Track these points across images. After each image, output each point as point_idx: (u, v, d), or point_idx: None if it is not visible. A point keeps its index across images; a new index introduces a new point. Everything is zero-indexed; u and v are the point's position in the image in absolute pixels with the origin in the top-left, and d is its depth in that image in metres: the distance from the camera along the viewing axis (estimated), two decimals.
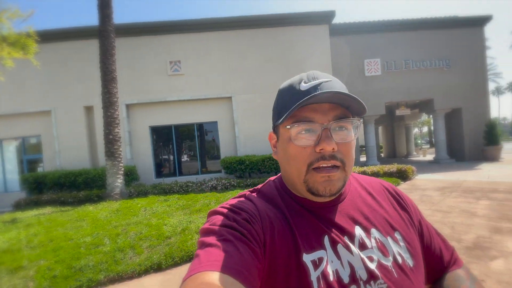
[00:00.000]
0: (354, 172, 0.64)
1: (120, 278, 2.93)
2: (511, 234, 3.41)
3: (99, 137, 10.46)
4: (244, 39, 11.09)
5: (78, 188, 9.50)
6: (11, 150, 11.88)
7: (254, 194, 0.61)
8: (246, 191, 0.62)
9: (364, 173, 8.50)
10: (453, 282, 0.61)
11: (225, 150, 11.17)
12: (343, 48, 11.99)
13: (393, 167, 8.33)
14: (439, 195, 5.86)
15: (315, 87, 0.52)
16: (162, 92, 10.85)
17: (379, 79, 12.34)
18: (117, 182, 7.85)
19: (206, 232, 0.49)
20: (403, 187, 7.15)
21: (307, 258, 0.49)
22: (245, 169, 9.80)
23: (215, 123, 11.34)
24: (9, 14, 6.09)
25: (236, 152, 11.01)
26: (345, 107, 0.54)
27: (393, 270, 0.52)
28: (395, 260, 0.53)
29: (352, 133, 0.54)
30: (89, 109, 10.96)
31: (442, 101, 12.50)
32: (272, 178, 0.66)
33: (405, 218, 0.61)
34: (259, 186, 0.65)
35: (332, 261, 0.50)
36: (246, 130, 10.89)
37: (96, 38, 10.33)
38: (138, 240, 3.80)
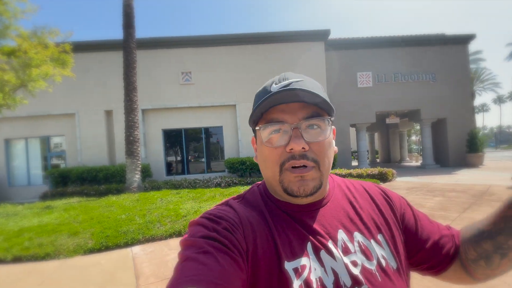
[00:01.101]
0: (337, 175, 0.62)
1: (152, 239, 4.17)
2: (439, 218, 4.58)
3: (117, 138, 11.81)
4: (247, 54, 12.40)
5: (98, 182, 10.79)
6: (35, 148, 13.23)
7: (236, 201, 0.60)
8: (229, 198, 0.61)
9: (350, 175, 9.69)
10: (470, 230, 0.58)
11: (229, 152, 12.44)
12: (337, 62, 13.23)
13: (375, 170, 9.50)
14: (405, 193, 7.02)
15: (285, 88, 0.50)
16: (174, 99, 12.18)
17: (371, 91, 13.53)
18: (135, 177, 9.13)
19: (185, 245, 0.47)
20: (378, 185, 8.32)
21: (289, 266, 0.48)
22: (246, 169, 11.03)
23: (220, 127, 12.63)
24: (52, 35, 7.36)
25: (238, 154, 12.27)
26: (315, 106, 0.53)
27: (377, 273, 0.51)
28: (379, 263, 0.53)
29: (326, 133, 0.54)
30: (108, 113, 12.31)
31: (428, 111, 13.64)
32: (257, 183, 0.66)
33: (389, 217, 0.60)
34: (244, 192, 0.64)
35: (315, 269, 0.49)
36: (247, 135, 12.14)
37: (114, 50, 11.78)
38: (161, 218, 5.04)
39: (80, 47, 12.23)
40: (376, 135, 22.77)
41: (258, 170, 10.96)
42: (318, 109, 0.53)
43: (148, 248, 3.88)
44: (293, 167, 0.52)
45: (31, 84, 6.18)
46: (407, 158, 20.00)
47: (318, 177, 0.53)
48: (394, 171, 9.73)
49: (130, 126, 9.22)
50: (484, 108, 70.08)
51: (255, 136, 0.60)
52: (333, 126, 0.57)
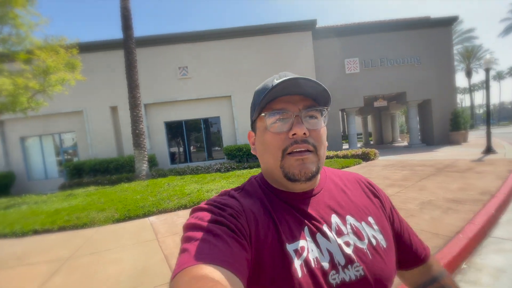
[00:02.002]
0: (329, 167, 0.77)
1: (164, 211, 5.24)
2: (398, 187, 5.60)
3: (123, 131, 12.84)
4: (240, 47, 13.18)
5: (110, 173, 11.91)
6: (49, 144, 14.32)
7: (237, 192, 0.64)
8: (230, 190, 0.65)
9: (336, 156, 10.69)
10: (434, 270, 0.70)
11: (227, 140, 13.46)
12: (325, 50, 13.98)
13: (358, 151, 10.50)
14: (380, 169, 8.04)
15: (286, 82, 0.56)
16: (173, 93, 13.11)
17: (358, 76, 14.33)
18: (143, 166, 10.20)
19: (193, 227, 0.50)
20: (362, 165, 9.33)
21: (290, 248, 0.53)
22: (243, 155, 12.07)
23: (218, 118, 13.61)
24: (61, 42, 8.21)
25: (236, 141, 13.29)
26: (313, 100, 0.60)
27: (368, 252, 0.57)
28: (370, 242, 0.58)
29: (322, 122, 0.60)
30: (114, 109, 13.29)
31: (414, 93, 14.46)
32: (254, 176, 0.70)
33: (377, 204, 0.68)
34: (242, 184, 0.68)
35: (312, 250, 0.54)
36: (244, 123, 13.11)
37: (115, 50, 12.64)
38: (170, 196, 6.12)
39: (84, 48, 13.05)
40: (369, 118, 23.62)
41: (255, 156, 11.92)
42: (315, 102, 0.60)
43: (161, 217, 4.96)
44: (294, 151, 0.56)
45: (49, 89, 7.13)
46: (399, 139, 20.95)
47: (316, 161, 0.57)
48: (376, 151, 10.71)
49: (135, 121, 10.22)
50: (483, 85, 70.11)
51: (254, 129, 0.66)
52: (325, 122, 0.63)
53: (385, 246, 0.60)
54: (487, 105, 9.24)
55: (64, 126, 13.65)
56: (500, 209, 3.98)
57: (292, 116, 0.57)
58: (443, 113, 14.42)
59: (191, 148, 14.44)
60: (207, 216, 0.52)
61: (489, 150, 9.13)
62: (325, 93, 0.58)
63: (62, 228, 4.80)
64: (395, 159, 10.09)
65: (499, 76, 61.79)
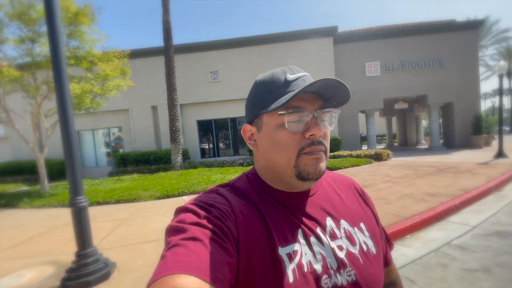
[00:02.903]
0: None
1: (194, 192, 6.64)
2: (390, 182, 6.46)
3: (162, 128, 14.64)
4: (265, 52, 14.37)
5: (149, 163, 13.75)
6: (100, 137, 16.63)
7: (226, 189, 0.60)
8: (217, 187, 0.61)
9: (350, 156, 11.48)
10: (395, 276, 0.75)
11: None
12: (346, 54, 14.66)
13: (372, 151, 11.20)
14: (386, 168, 8.80)
15: (302, 79, 0.56)
16: (205, 95, 14.66)
17: (379, 79, 14.82)
18: (178, 158, 11.81)
19: (173, 231, 0.48)
20: (372, 164, 10.08)
21: (283, 252, 0.51)
22: None
23: (243, 117, 14.90)
24: (116, 53, 9.91)
25: None
26: (327, 100, 0.58)
27: (359, 257, 0.57)
28: (361, 248, 0.58)
29: (331, 123, 0.60)
30: (154, 108, 15.17)
31: (435, 96, 14.63)
32: (246, 172, 0.66)
33: (367, 211, 0.69)
34: (231, 180, 0.64)
35: (305, 253, 0.53)
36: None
37: (156, 56, 14.37)
38: (199, 182, 7.52)
39: (130, 54, 15.05)
40: (394, 119, 23.56)
41: None
42: (328, 102, 0.59)
43: (192, 196, 6.34)
44: (311, 151, 0.55)
45: (107, 93, 8.85)
46: (423, 141, 20.82)
47: (325, 161, 0.57)
48: (389, 152, 11.33)
49: (172, 119, 11.85)
50: None
51: (255, 123, 0.61)
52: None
53: (374, 253, 0.60)
54: (500, 111, 9.51)
55: (112, 122, 15.81)
56: (467, 202, 4.78)
57: (309, 116, 0.55)
58: (466, 117, 14.42)
59: (219, 144, 15.94)
60: (189, 218, 0.49)
61: (500, 154, 9.44)
62: (347, 91, 0.56)
63: (117, 201, 6.38)
64: (406, 160, 10.67)
65: None
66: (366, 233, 0.62)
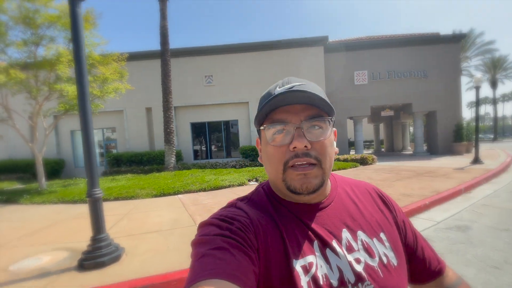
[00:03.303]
0: (337, 173, 0.74)
1: (189, 191, 7.02)
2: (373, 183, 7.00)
3: (155, 130, 14.94)
4: (258, 59, 14.89)
5: (143, 164, 14.01)
6: (94, 137, 16.78)
7: (244, 202, 0.62)
8: (236, 200, 0.63)
9: (337, 160, 12.05)
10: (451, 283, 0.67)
11: (243, 141, 15.20)
12: (336, 63, 15.32)
13: (358, 156, 11.79)
14: (370, 172, 9.37)
15: (288, 91, 0.54)
16: (199, 98, 15.05)
17: (366, 87, 15.52)
18: (172, 159, 12.15)
19: (199, 243, 0.50)
20: (358, 168, 10.66)
21: (297, 264, 0.51)
22: (256, 154, 13.71)
23: (236, 121, 15.39)
24: (114, 56, 10.24)
25: (251, 142, 14.98)
26: (317, 107, 0.56)
27: (379, 270, 0.55)
28: (381, 260, 0.56)
29: (327, 133, 0.57)
30: (148, 110, 15.47)
31: (419, 105, 15.41)
32: (262, 184, 0.68)
33: (389, 218, 0.65)
34: (249, 193, 0.66)
35: (321, 266, 0.52)
36: None
37: (151, 59, 14.72)
38: (193, 182, 7.90)
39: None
40: (382, 126, 24.40)
41: None
42: (319, 110, 0.56)
43: (187, 195, 6.74)
44: (296, 165, 0.54)
45: (106, 95, 9.17)
46: (409, 147, 21.65)
47: (320, 174, 0.55)
48: (374, 156, 11.95)
49: (167, 121, 12.20)
50: (505, 98, 66.84)
51: (260, 137, 0.63)
52: (334, 128, 0.61)
53: (396, 264, 0.58)
54: (476, 120, 10.24)
55: (106, 123, 16.01)
56: (437, 202, 5.32)
57: (293, 128, 0.54)
58: (448, 125, 15.23)
59: (212, 146, 16.33)
60: (213, 231, 0.51)
61: (476, 160, 10.14)
62: (327, 105, 0.55)
63: (116, 198, 6.73)
64: (390, 165, 11.30)
65: None
66: (387, 244, 0.60)
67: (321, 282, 0.50)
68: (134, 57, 15.37)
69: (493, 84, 41.46)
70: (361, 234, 0.59)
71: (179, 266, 2.78)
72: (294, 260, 0.52)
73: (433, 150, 15.95)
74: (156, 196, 6.84)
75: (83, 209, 6.02)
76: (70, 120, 15.81)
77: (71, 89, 8.35)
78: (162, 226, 4.35)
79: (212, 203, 5.78)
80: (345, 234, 0.58)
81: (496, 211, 4.61)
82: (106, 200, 6.73)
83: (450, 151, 15.22)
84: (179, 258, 3.00)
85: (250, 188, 7.46)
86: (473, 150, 15.44)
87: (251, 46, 14.96)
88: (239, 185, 7.83)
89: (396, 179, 7.62)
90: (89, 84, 8.97)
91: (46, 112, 9.45)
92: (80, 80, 3.00)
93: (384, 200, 0.69)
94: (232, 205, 0.61)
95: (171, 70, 12.58)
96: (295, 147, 0.54)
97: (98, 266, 2.81)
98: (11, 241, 4.01)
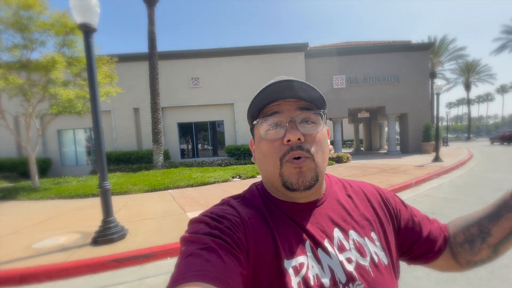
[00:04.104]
0: (332, 174, 0.70)
1: (178, 187, 7.77)
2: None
3: (143, 129, 15.47)
4: (243, 62, 15.70)
5: (131, 162, 14.53)
6: (80, 137, 17.08)
7: (236, 200, 0.62)
8: (229, 198, 0.63)
9: None
10: (459, 225, 0.65)
11: (229, 141, 15.98)
12: (316, 67, 16.35)
13: (334, 155, 12.83)
14: (342, 169, 10.39)
15: (277, 85, 0.55)
16: (186, 99, 15.70)
17: (344, 91, 16.62)
18: (160, 158, 12.78)
19: (187, 241, 0.49)
20: (333, 166, 11.68)
21: (288, 264, 0.51)
22: (241, 153, 14.55)
23: (222, 121, 16.14)
24: (103, 60, 10.76)
25: (236, 142, 15.79)
26: (311, 102, 0.57)
27: (370, 269, 0.55)
28: (372, 259, 0.56)
29: (320, 126, 0.57)
30: (136, 110, 15.96)
31: (392, 107, 16.67)
32: (256, 183, 0.68)
33: (383, 215, 0.64)
34: (243, 192, 0.66)
35: (312, 266, 0.52)
36: (243, 126, 15.61)
37: (138, 61, 15.24)
38: (181, 179, 8.64)
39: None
40: (361, 126, 25.79)
41: (251, 154, 14.33)
42: (311, 104, 0.57)
43: (176, 190, 7.49)
44: (293, 159, 0.54)
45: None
46: (385, 146, 23.08)
47: (313, 168, 0.55)
48: (349, 155, 13.04)
49: (155, 122, 12.82)
50: (489, 97, 71.07)
51: (253, 136, 0.63)
52: (326, 127, 0.61)
53: (386, 263, 0.58)
54: (437, 122, 11.46)
55: None
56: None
57: (286, 122, 0.55)
58: (418, 126, 16.58)
59: (199, 145, 17.02)
60: (202, 228, 0.51)
61: (436, 159, 11.36)
62: (318, 95, 0.57)
63: (113, 193, 7.37)
64: (362, 163, 12.40)
65: (503, 90, 62.72)
66: (377, 243, 0.60)
67: (312, 283, 0.50)
68: (122, 59, 15.75)
69: (467, 87, 44.07)
70: (352, 233, 0.59)
71: (172, 240, 3.58)
72: (285, 260, 0.51)
73: (405, 149, 17.29)
74: (147, 191, 7.55)
75: (81, 203, 6.70)
76: (57, 120, 16.07)
77: (65, 93, 8.88)
78: (156, 214, 5.12)
79: (199, 196, 6.56)
80: (337, 234, 0.58)
81: (432, 200, 5.64)
82: None
83: (419, 150, 16.57)
84: (172, 235, 3.79)
85: (233, 184, 8.30)
86: (441, 149, 17.01)
87: (236, 50, 15.74)
88: (224, 181, 8.64)
89: (362, 175, 8.65)
90: (82, 88, 9.56)
91: (38, 113, 9.89)
92: (93, 98, 3.76)
93: (378, 196, 0.69)
94: (224, 202, 0.61)
95: (158, 72, 13.18)
96: (289, 140, 0.54)
97: (108, 242, 3.56)
98: (25, 228, 4.67)
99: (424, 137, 16.29)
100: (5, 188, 9.57)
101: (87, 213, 5.59)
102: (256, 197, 0.62)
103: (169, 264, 3.17)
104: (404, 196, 6.10)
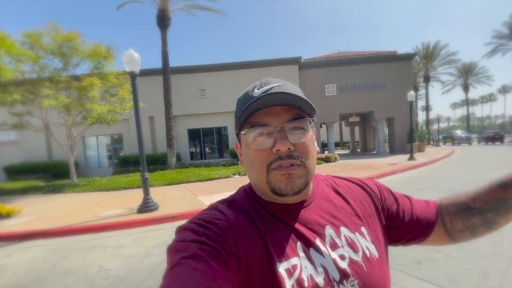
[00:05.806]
0: (320, 173, 0.69)
1: (189, 182, 9.82)
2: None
3: (157, 135, 17.65)
4: (243, 75, 17.77)
5: (148, 164, 16.66)
6: (103, 142, 19.38)
7: (224, 205, 0.61)
8: (217, 203, 0.62)
9: None
10: (452, 204, 0.64)
11: (232, 144, 18.03)
12: (309, 77, 18.26)
13: (323, 155, 14.69)
14: (327, 167, 12.27)
15: (266, 92, 0.53)
16: (194, 108, 17.85)
17: (335, 98, 18.46)
18: (173, 160, 14.89)
19: (174, 250, 0.48)
20: (321, 165, 13.54)
21: (281, 267, 0.50)
22: None
23: (226, 127, 18.22)
24: (115, 74, 12.87)
25: None
26: (298, 108, 0.55)
27: (363, 264, 0.55)
28: (364, 254, 0.56)
29: (309, 133, 0.56)
30: (151, 118, 18.19)
31: (380, 112, 18.41)
32: (244, 186, 0.67)
33: (370, 208, 0.65)
34: (230, 196, 0.65)
35: (306, 267, 0.52)
36: None
37: (152, 75, 17.43)
38: (192, 176, 10.69)
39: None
40: (356, 129, 27.48)
41: None
42: (300, 111, 0.55)
43: (188, 184, 9.54)
44: (280, 166, 0.53)
45: (124, 111, 11.89)
46: None
47: (304, 174, 0.54)
48: (337, 155, 14.88)
49: (168, 129, 14.94)
50: (492, 98, 71.47)
51: (239, 141, 0.62)
52: (314, 129, 0.60)
53: (377, 257, 0.58)
54: (411, 124, 13.23)
55: (115, 130, 18.62)
56: None
57: (274, 131, 0.53)
58: (403, 128, 18.26)
59: (206, 148, 19.13)
60: (189, 236, 0.50)
61: (411, 158, 13.12)
62: (307, 103, 0.54)
63: (139, 186, 9.47)
64: (347, 162, 14.22)
65: (505, 90, 63.21)
66: (368, 237, 0.60)
67: (306, 284, 0.49)
68: (140, 73, 18.11)
69: (465, 88, 45.19)
70: (344, 230, 0.59)
71: (189, 209, 5.60)
72: (278, 263, 0.51)
73: (392, 149, 18.99)
74: (166, 185, 9.62)
75: (115, 194, 8.81)
76: (81, 127, 18.42)
77: (99, 108, 11.05)
78: (175, 197, 7.17)
79: (206, 187, 8.57)
80: (329, 231, 0.58)
81: None
82: (131, 188, 9.50)
83: (405, 151, 18.23)
84: (187, 208, 5.82)
85: (234, 179, 10.29)
86: (424, 148, 18.68)
87: (238, 65, 17.84)
88: (226, 177, 10.65)
89: (338, 171, 10.53)
90: (111, 104, 11.75)
91: (74, 124, 12.12)
92: (138, 124, 5.78)
93: (365, 188, 0.69)
94: (212, 207, 0.60)
95: (171, 86, 15.33)
96: (278, 150, 0.53)
97: (148, 211, 5.61)
98: (87, 207, 6.77)
99: (408, 138, 17.95)
100: (52, 184, 11.80)
101: (123, 199, 7.67)
102: (244, 200, 0.62)
103: None
104: None
